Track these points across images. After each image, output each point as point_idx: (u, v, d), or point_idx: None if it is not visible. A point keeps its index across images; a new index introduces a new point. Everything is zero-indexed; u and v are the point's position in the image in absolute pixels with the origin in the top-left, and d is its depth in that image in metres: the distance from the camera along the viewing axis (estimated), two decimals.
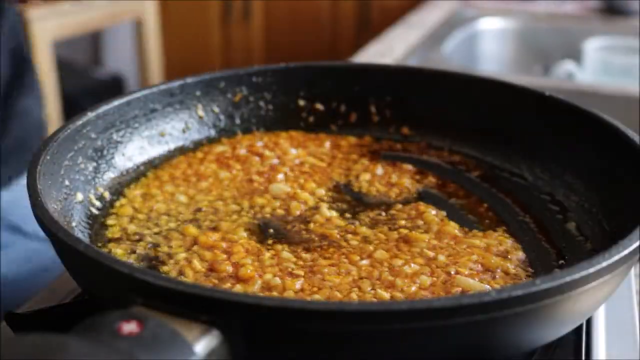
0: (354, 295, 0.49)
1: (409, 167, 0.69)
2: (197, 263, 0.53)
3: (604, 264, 0.42)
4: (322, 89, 0.76)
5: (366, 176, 0.67)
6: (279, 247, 0.55)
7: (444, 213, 0.61)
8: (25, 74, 0.91)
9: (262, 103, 0.76)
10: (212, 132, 0.74)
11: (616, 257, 0.43)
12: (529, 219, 0.62)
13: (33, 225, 0.86)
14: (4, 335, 0.50)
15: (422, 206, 0.61)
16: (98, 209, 0.61)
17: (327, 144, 0.73)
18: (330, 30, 2.63)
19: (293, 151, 0.71)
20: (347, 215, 0.61)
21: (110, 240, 0.57)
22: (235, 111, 0.75)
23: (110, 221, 0.59)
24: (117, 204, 0.62)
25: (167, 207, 0.61)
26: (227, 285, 0.50)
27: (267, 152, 0.71)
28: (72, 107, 2.19)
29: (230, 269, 0.52)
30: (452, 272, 0.52)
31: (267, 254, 0.54)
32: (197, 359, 0.37)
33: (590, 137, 0.63)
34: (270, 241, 0.56)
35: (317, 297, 0.49)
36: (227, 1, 2.69)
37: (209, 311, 0.38)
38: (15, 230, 0.88)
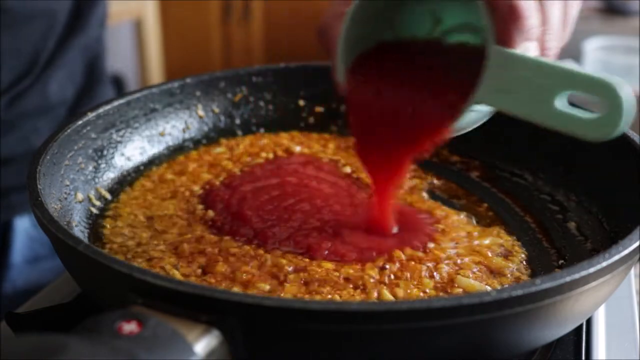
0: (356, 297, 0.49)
1: (410, 167, 0.69)
2: (193, 265, 0.52)
3: (604, 264, 0.42)
4: (322, 89, 0.76)
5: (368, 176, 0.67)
6: (277, 252, 0.54)
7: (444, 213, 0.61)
8: (95, 89, 0.91)
9: (262, 103, 0.76)
10: (212, 132, 0.74)
11: (616, 257, 0.43)
12: (529, 219, 0.62)
13: None
14: (4, 335, 0.50)
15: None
16: (98, 208, 0.61)
17: (332, 146, 0.73)
18: None
19: (297, 148, 0.72)
20: None
21: (108, 241, 0.57)
22: (235, 111, 0.75)
23: (109, 221, 0.59)
24: (117, 204, 0.62)
25: (165, 208, 0.61)
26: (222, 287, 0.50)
27: (270, 155, 0.71)
28: None
29: (226, 269, 0.52)
30: (453, 273, 0.52)
31: (267, 256, 0.53)
32: (197, 359, 0.37)
33: None
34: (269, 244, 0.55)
35: (317, 297, 0.49)
36: (227, 1, 2.69)
37: (209, 311, 0.38)
38: None
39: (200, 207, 0.60)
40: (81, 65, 0.89)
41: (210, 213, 0.59)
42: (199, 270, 0.52)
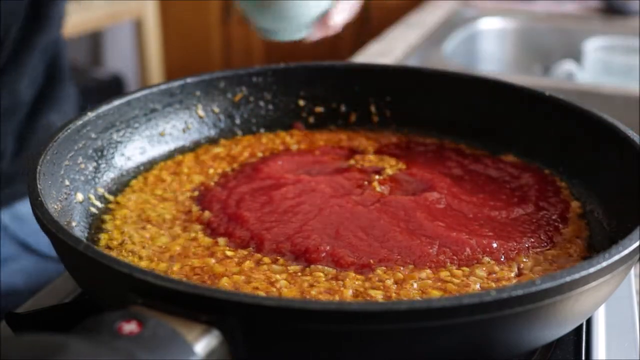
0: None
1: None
2: (186, 268, 0.52)
3: (604, 264, 0.42)
4: (322, 89, 0.76)
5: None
6: (267, 260, 0.53)
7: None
8: (55, 89, 0.88)
9: (262, 103, 0.76)
10: (212, 132, 0.74)
11: (616, 257, 0.43)
12: None
13: (41, 243, 0.82)
14: (4, 335, 0.50)
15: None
16: (98, 209, 0.61)
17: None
18: None
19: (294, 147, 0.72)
20: None
21: (107, 242, 0.57)
22: (235, 111, 0.75)
23: (107, 223, 0.59)
24: (116, 204, 0.62)
25: (163, 209, 0.61)
26: None
27: (268, 155, 0.71)
28: None
29: (219, 273, 0.51)
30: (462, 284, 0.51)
31: (260, 265, 0.52)
32: (197, 359, 0.37)
33: (591, 137, 0.63)
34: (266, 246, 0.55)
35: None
36: (227, 1, 2.69)
37: (209, 311, 0.38)
38: (22, 245, 0.85)
39: (196, 208, 0.60)
40: (42, 66, 0.87)
41: (207, 214, 0.59)
42: (192, 273, 0.52)
